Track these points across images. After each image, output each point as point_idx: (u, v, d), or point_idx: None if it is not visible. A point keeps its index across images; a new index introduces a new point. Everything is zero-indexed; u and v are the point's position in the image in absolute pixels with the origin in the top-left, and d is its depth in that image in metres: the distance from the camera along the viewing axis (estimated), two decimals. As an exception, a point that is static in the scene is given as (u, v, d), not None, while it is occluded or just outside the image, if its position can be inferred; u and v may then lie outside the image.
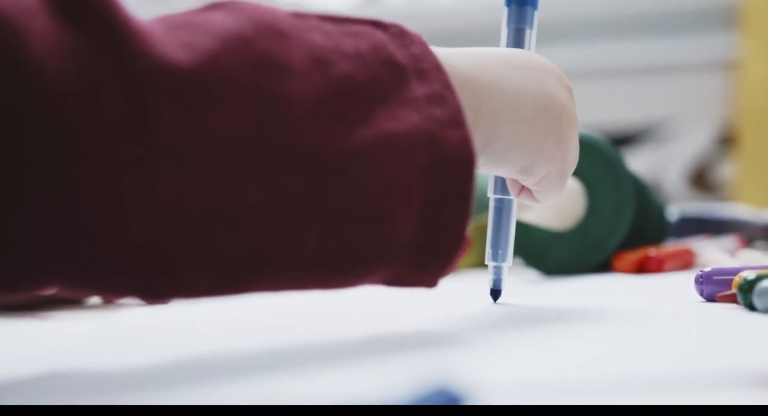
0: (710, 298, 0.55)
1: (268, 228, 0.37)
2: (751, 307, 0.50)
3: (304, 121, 0.37)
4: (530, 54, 0.51)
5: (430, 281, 0.43)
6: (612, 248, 0.78)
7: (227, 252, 0.36)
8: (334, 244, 0.39)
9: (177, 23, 0.37)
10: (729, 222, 1.02)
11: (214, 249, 0.36)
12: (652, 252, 0.78)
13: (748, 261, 0.78)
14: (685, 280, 0.59)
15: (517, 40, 0.55)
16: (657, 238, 0.86)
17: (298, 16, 0.40)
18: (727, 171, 1.92)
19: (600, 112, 1.95)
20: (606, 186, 0.78)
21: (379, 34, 0.42)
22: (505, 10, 0.55)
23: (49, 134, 0.32)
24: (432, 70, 0.42)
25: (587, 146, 0.77)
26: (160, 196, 0.34)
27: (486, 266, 0.57)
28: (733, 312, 0.51)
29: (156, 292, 0.37)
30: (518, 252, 0.79)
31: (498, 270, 0.56)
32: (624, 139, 1.97)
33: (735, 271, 0.53)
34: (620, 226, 0.78)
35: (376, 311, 0.56)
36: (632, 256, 0.78)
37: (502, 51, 0.50)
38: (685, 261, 0.81)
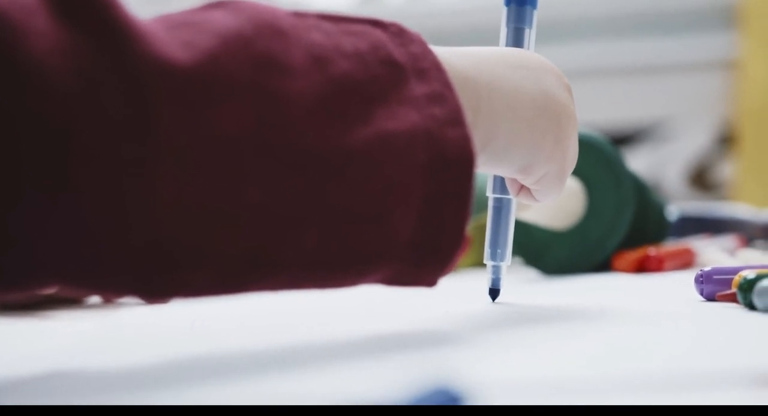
0: (710, 298, 0.55)
1: (268, 227, 0.37)
2: (751, 306, 0.50)
3: (304, 120, 0.37)
4: (529, 53, 0.51)
5: (429, 280, 0.43)
6: (612, 247, 0.78)
7: (227, 251, 0.36)
8: (333, 243, 0.39)
9: (177, 22, 0.37)
10: (729, 222, 1.02)
11: (214, 248, 0.36)
12: (652, 251, 0.78)
13: (748, 260, 0.78)
14: (685, 280, 0.59)
15: (516, 39, 0.55)
16: (657, 238, 0.86)
17: (298, 15, 0.40)
18: (727, 170, 1.93)
19: (600, 111, 1.95)
20: (606, 185, 0.78)
21: (378, 34, 0.42)
22: (504, 10, 0.55)
23: (49, 133, 0.32)
24: (431, 69, 0.42)
25: (587, 145, 0.77)
26: (161, 196, 0.34)
27: (486, 265, 0.57)
28: (733, 311, 0.51)
29: (156, 292, 0.37)
30: (518, 251, 0.79)
31: (497, 270, 0.56)
32: (624, 139, 1.97)
33: (735, 271, 0.53)
34: (620, 226, 0.78)
35: (375, 310, 0.56)
36: (632, 256, 0.78)
37: (501, 50, 0.50)
38: (685, 261, 0.81)
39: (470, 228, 0.81)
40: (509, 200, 0.56)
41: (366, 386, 0.34)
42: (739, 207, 1.28)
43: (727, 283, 0.54)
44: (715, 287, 0.55)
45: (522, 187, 0.53)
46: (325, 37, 0.40)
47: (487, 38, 0.61)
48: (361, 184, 0.39)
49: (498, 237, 0.56)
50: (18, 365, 0.41)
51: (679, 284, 0.64)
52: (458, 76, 0.43)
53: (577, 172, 0.77)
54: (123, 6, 0.35)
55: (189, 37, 0.36)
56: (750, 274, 0.50)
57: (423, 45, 0.43)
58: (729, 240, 0.92)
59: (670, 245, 0.86)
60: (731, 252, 0.86)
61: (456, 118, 0.41)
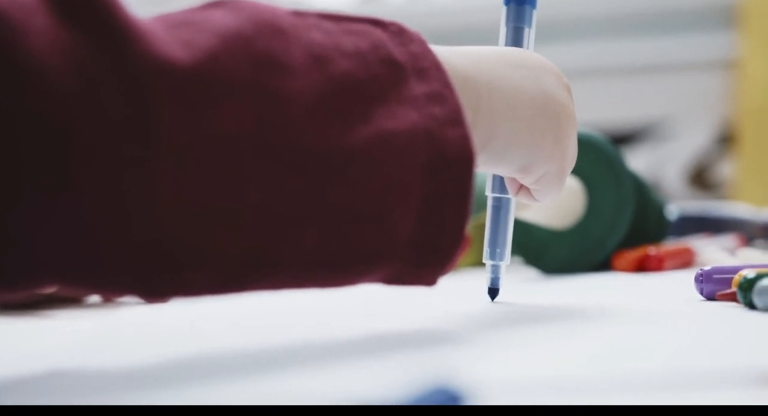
0: (710, 297, 0.55)
1: (268, 226, 0.37)
2: (751, 306, 0.50)
3: (304, 120, 0.37)
4: (529, 53, 0.51)
5: (429, 279, 0.43)
6: (612, 247, 0.78)
7: (227, 250, 0.36)
8: (333, 243, 0.39)
9: (177, 22, 0.37)
10: (729, 221, 1.02)
11: (214, 247, 0.36)
12: (652, 250, 0.78)
13: (748, 259, 0.78)
14: (685, 279, 0.59)
15: (515, 38, 0.55)
16: (657, 237, 0.86)
17: (298, 14, 0.40)
18: (727, 169, 1.92)
19: (599, 110, 1.95)
20: (606, 185, 0.78)
21: (378, 33, 0.42)
22: (503, 9, 0.55)
23: (49, 133, 0.32)
24: (431, 69, 0.42)
25: (587, 145, 0.77)
26: (161, 195, 0.34)
27: (485, 264, 0.57)
28: (733, 310, 0.51)
29: (156, 291, 0.37)
30: (518, 250, 0.79)
31: (496, 269, 0.56)
32: (623, 138, 1.97)
33: (735, 270, 0.53)
34: (620, 225, 0.78)
35: (375, 310, 0.56)
36: (632, 255, 0.78)
37: (501, 49, 0.50)
38: (685, 260, 0.81)
39: (470, 227, 0.81)
40: (508, 199, 0.56)
41: (366, 385, 0.34)
42: (738, 206, 1.28)
43: (727, 282, 0.54)
44: (715, 286, 0.55)
45: (521, 187, 0.53)
46: (325, 37, 0.40)
47: (487, 37, 0.61)
48: (361, 183, 0.39)
49: (497, 237, 0.56)
50: (18, 364, 0.41)
51: (679, 283, 0.64)
52: (458, 76, 0.43)
53: (577, 172, 0.77)
54: (123, 5, 0.35)
55: (189, 37, 0.36)
56: (750, 273, 0.50)
57: (423, 44, 0.43)
58: (729, 240, 0.92)
59: (670, 244, 0.86)
60: (731, 252, 0.86)
61: (456, 118, 0.41)
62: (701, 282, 0.55)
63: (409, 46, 0.42)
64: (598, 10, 1.97)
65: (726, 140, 1.92)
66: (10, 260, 0.34)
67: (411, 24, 0.44)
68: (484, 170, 0.49)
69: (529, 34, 0.55)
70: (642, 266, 0.78)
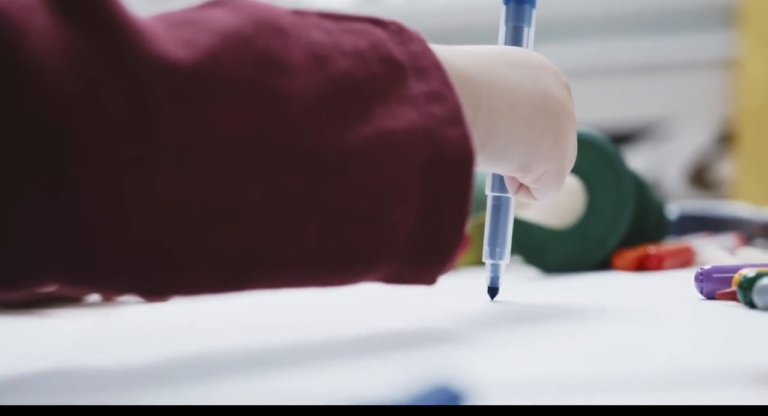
0: (710, 296, 0.55)
1: (267, 225, 0.37)
2: (751, 305, 0.50)
3: (304, 119, 0.37)
4: (528, 52, 0.51)
5: (428, 279, 0.43)
6: (612, 246, 0.78)
7: (227, 249, 0.36)
8: (333, 242, 0.39)
9: (177, 21, 0.37)
10: (728, 220, 1.02)
11: (214, 246, 0.36)
12: (652, 249, 0.78)
13: (748, 258, 0.78)
14: (685, 278, 0.59)
15: (515, 37, 0.55)
16: (657, 236, 0.86)
17: (298, 13, 0.40)
18: (727, 169, 1.92)
19: (599, 110, 1.95)
20: (606, 184, 0.78)
21: (378, 32, 0.42)
22: (503, 8, 0.55)
23: (49, 132, 0.32)
24: (431, 68, 0.42)
25: (587, 144, 0.77)
26: (161, 194, 0.34)
27: (485, 264, 0.57)
28: (733, 309, 0.51)
29: (156, 290, 0.37)
30: (517, 249, 0.79)
31: (495, 268, 0.57)
32: (623, 137, 1.97)
33: (735, 269, 0.53)
34: (620, 224, 0.78)
35: (375, 309, 0.56)
36: (632, 254, 0.78)
37: (501, 49, 0.50)
38: (685, 259, 0.81)
39: (469, 226, 0.81)
40: (508, 198, 0.56)
41: (365, 384, 0.34)
42: (738, 205, 1.28)
43: (727, 282, 0.54)
44: (715, 285, 0.55)
45: (521, 186, 0.53)
46: (324, 36, 0.40)
47: (486, 37, 0.61)
48: (361, 182, 0.39)
49: (497, 236, 0.56)
50: (18, 363, 0.41)
51: (679, 282, 0.64)
52: (458, 75, 0.43)
53: (577, 171, 0.77)
54: (123, 4, 0.35)
55: (189, 36, 0.36)
56: (750, 273, 0.50)
57: (422, 43, 0.43)
58: (729, 239, 0.92)
59: (670, 243, 0.86)
60: (731, 251, 0.86)
61: (455, 117, 0.41)
62: (701, 281, 0.56)
63: (408, 46, 0.42)
64: (598, 10, 1.97)
65: (726, 139, 1.92)
66: (10, 259, 0.34)
67: (411, 23, 0.44)
68: (484, 169, 0.49)
69: (529, 34, 0.55)
70: (642, 265, 0.78)
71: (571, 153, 0.50)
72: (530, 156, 0.48)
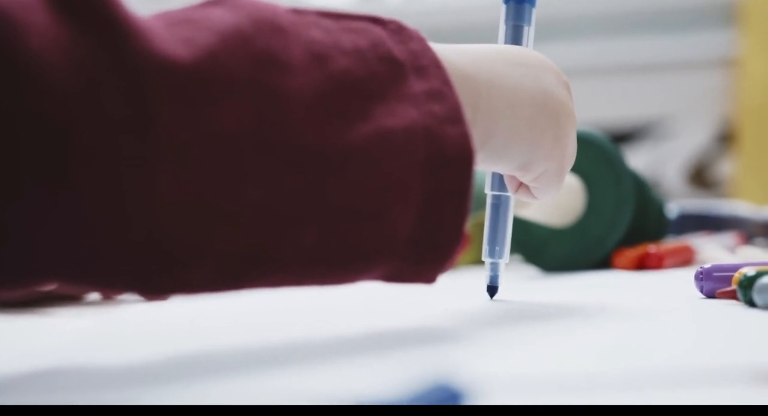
0: (710, 295, 0.55)
1: (267, 224, 0.37)
2: (751, 304, 0.50)
3: (303, 118, 0.37)
4: (528, 51, 0.51)
5: (428, 277, 0.43)
6: (612, 245, 0.78)
7: (227, 248, 0.36)
8: (333, 240, 0.39)
9: (177, 19, 0.37)
10: (728, 219, 1.02)
11: (214, 245, 0.36)
12: (652, 248, 0.78)
13: (748, 257, 0.78)
14: (685, 277, 0.59)
15: (515, 36, 0.55)
16: (657, 235, 0.86)
17: (297, 12, 0.40)
18: (727, 168, 1.92)
19: (599, 109, 1.95)
20: (606, 183, 0.78)
21: (377, 31, 0.42)
22: (503, 7, 0.55)
23: (49, 131, 0.32)
24: (430, 66, 0.42)
25: (587, 143, 0.77)
26: (160, 193, 0.34)
27: (484, 262, 0.57)
28: (733, 308, 0.51)
29: (156, 289, 0.37)
30: (517, 248, 0.79)
31: (495, 267, 0.57)
32: (623, 136, 1.96)
33: (735, 268, 0.53)
34: (620, 223, 0.78)
35: (374, 308, 0.56)
36: (632, 253, 0.78)
37: (501, 48, 0.50)
38: (685, 258, 0.81)
39: (469, 225, 0.81)
40: (508, 197, 0.56)
41: (365, 383, 0.34)
42: (738, 204, 1.28)
43: (727, 280, 0.54)
44: (715, 284, 0.55)
45: (521, 185, 0.53)
46: (324, 34, 0.40)
47: (486, 36, 0.60)
48: (361, 181, 0.39)
49: (496, 235, 0.56)
50: (17, 362, 0.41)
51: (679, 281, 0.64)
52: (457, 74, 0.43)
53: (576, 170, 0.77)
54: (122, 3, 0.35)
55: (188, 35, 0.36)
56: (750, 271, 0.50)
57: (422, 42, 0.43)
58: (729, 238, 0.92)
59: (670, 242, 0.86)
60: (731, 250, 0.86)
61: (455, 116, 0.41)
62: (701, 280, 0.55)
63: (408, 44, 0.42)
64: (598, 9, 1.97)
65: (726, 138, 1.92)
66: (10, 258, 0.34)
67: (410, 22, 0.44)
68: (484, 168, 0.49)
69: (529, 32, 0.55)
70: (642, 264, 0.78)
71: (571, 152, 0.50)
72: (530, 155, 0.48)
